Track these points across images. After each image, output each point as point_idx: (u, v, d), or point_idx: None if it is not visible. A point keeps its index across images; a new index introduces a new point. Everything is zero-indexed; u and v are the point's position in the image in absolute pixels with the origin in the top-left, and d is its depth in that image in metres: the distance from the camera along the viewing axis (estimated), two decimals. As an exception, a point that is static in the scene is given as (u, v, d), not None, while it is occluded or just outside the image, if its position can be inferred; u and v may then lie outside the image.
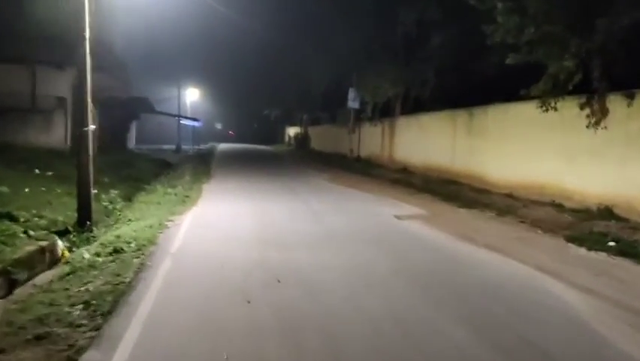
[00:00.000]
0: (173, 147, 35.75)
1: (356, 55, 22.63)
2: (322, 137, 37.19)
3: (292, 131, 50.31)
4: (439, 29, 14.98)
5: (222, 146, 47.86)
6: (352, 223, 8.66)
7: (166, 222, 8.04)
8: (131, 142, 33.64)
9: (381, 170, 20.42)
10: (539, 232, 8.21)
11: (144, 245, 6.45)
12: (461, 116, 14.83)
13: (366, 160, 24.32)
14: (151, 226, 7.53)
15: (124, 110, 27.09)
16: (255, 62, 41.23)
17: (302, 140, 42.68)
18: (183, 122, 38.45)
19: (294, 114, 42.77)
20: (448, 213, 10.14)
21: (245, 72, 45.13)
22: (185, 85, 47.06)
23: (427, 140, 17.42)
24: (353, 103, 23.85)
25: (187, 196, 10.98)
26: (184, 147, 35.28)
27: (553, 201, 10.38)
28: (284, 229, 8.08)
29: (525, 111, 11.41)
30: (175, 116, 31.90)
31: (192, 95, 49.47)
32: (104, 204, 9.56)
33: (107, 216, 8.80)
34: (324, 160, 27.10)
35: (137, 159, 20.54)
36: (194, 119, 33.33)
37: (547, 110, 10.12)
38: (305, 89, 32.73)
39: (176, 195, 11.04)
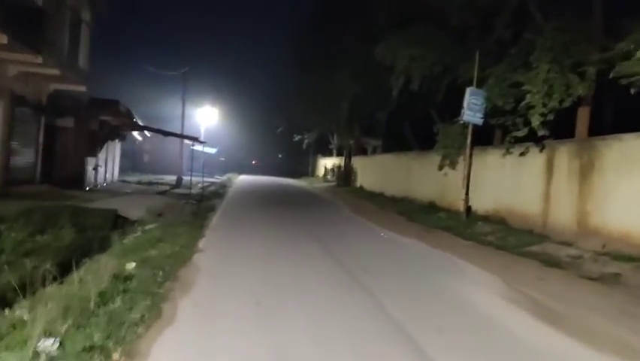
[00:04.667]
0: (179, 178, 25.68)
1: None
2: (378, 171, 26.40)
3: (329, 162, 39.95)
4: None
5: (242, 178, 37.45)
6: None
7: None
8: (111, 172, 22.83)
9: (567, 251, 9.31)
10: None
11: None
12: None
13: (489, 218, 13.28)
14: None
15: (82, 118, 16.80)
16: (289, 69, 31.50)
17: (345, 174, 32.06)
18: (197, 148, 28.46)
19: (345, 137, 32.39)
20: None
21: (276, 86, 35.68)
22: (198, 102, 37.37)
23: None
24: (473, 115, 13.13)
25: None
26: (193, 178, 24.33)
27: None
28: None
29: None
30: (167, 134, 21.26)
31: (209, 117, 39.69)
32: None
33: None
34: (407, 211, 16.00)
35: (51, 218, 9.67)
36: (197, 140, 22.70)
37: None
38: (362, 101, 22.44)
39: None
